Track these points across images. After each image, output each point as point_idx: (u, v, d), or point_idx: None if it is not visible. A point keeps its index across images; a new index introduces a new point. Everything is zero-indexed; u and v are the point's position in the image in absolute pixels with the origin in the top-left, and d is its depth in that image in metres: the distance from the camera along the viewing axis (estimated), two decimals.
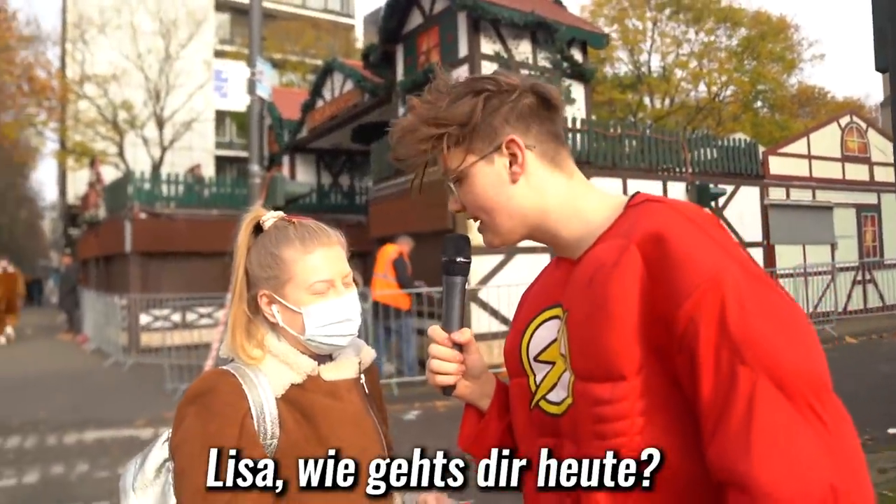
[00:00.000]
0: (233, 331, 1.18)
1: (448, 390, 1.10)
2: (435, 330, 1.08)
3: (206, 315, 12.80)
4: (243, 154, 27.60)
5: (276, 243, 1.20)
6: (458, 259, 1.10)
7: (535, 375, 1.03)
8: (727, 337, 0.76)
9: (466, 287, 1.12)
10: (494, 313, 8.77)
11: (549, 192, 1.00)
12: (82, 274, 17.93)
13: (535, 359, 1.02)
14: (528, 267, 9.09)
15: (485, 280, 8.76)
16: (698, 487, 0.81)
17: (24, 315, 18.77)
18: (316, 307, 1.18)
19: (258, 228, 1.25)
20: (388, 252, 8.26)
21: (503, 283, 8.67)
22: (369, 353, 1.33)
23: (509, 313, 8.63)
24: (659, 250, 0.83)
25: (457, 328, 1.08)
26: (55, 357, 12.62)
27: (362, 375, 1.29)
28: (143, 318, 12.46)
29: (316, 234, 1.21)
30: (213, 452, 1.05)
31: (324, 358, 1.25)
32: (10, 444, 6.22)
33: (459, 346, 1.09)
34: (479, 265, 8.77)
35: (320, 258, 1.19)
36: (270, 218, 1.24)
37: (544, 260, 9.27)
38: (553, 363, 0.99)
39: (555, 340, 0.98)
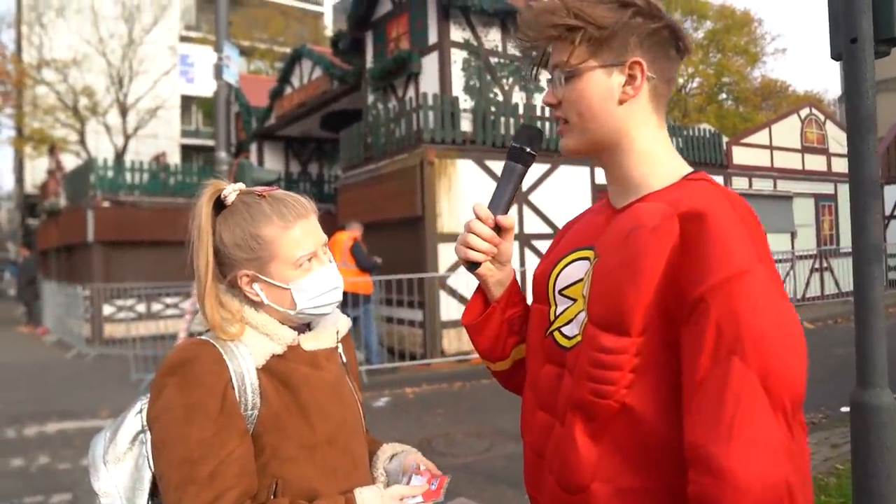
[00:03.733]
0: (210, 312, 1.14)
1: (473, 266, 1.13)
2: (480, 206, 1.11)
3: (173, 305, 12.60)
4: (210, 143, 27.11)
5: (252, 222, 1.16)
6: (527, 149, 1.12)
7: (556, 306, 1.09)
8: (735, 328, 0.82)
9: (523, 178, 1.14)
10: (463, 300, 8.82)
11: (641, 127, 1.03)
12: (42, 265, 17.49)
13: (560, 292, 1.08)
14: None
15: (453, 268, 8.80)
16: (667, 449, 0.89)
17: None
18: (304, 281, 1.17)
19: (219, 205, 1.19)
20: (342, 240, 8.11)
21: None
22: (346, 323, 1.33)
23: None
24: (698, 228, 0.88)
25: (503, 213, 1.12)
26: (14, 349, 12.29)
27: (340, 345, 1.30)
28: (107, 309, 12.23)
29: (292, 207, 1.19)
30: (196, 423, 1.05)
31: (302, 327, 1.25)
32: None
33: (498, 231, 1.12)
34: (448, 253, 8.80)
35: (301, 232, 1.18)
36: (232, 192, 1.19)
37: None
38: (574, 300, 1.04)
39: (580, 280, 1.03)
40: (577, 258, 1.07)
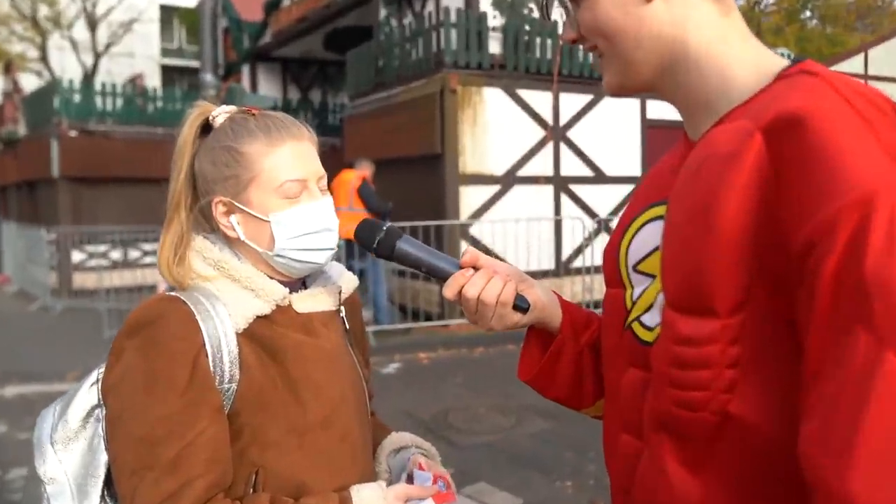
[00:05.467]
0: (162, 249, 1.13)
1: (522, 301, 1.05)
2: (448, 287, 1.05)
3: (151, 252, 12.74)
4: (195, 64, 26.98)
5: (234, 137, 1.13)
6: (378, 239, 1.10)
7: (633, 289, 0.94)
8: (859, 284, 0.62)
9: (409, 247, 1.11)
10: (487, 252, 8.76)
11: (692, 22, 0.85)
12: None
13: (635, 268, 0.94)
14: (529, 200, 9.07)
15: (477, 214, 8.76)
16: (799, 476, 0.69)
17: None
18: (287, 213, 1.13)
19: (207, 129, 1.18)
20: (349, 180, 8.10)
21: (498, 217, 8.69)
22: (350, 281, 1.29)
23: (504, 252, 8.70)
24: (795, 141, 0.69)
25: (455, 268, 1.07)
26: None
27: (342, 308, 1.26)
28: (76, 256, 12.42)
29: (284, 126, 1.15)
30: (159, 395, 1.02)
31: (295, 285, 1.20)
32: None
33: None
34: (471, 197, 8.74)
35: (290, 154, 1.14)
36: (222, 113, 1.17)
37: (546, 192, 9.27)
38: (654, 276, 0.89)
39: (658, 248, 0.86)
40: (651, 218, 0.92)
